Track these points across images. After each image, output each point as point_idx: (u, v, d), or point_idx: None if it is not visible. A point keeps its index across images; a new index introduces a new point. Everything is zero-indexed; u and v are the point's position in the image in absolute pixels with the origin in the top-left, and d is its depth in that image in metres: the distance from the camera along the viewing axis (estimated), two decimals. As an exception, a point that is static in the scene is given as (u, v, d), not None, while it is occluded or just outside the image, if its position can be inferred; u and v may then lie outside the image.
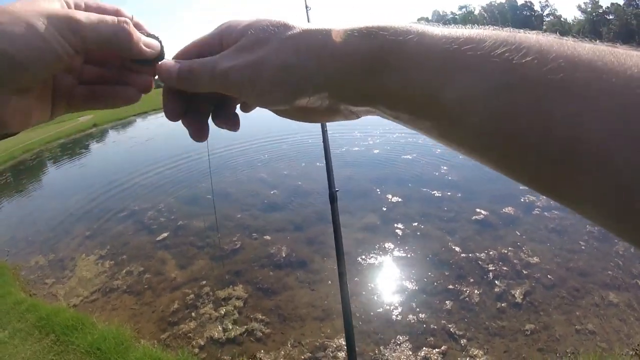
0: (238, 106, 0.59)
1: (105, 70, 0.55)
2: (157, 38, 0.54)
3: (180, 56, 0.53)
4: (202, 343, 4.27)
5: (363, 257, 5.56)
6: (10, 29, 0.40)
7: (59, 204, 10.02)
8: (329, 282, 5.11)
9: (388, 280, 5.11)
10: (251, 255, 5.88)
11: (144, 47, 0.51)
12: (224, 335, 4.36)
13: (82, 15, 0.45)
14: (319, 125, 2.06)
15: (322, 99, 0.47)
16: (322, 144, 1.95)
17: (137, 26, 0.52)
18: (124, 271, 5.66)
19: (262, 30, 0.47)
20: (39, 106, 0.49)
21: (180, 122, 0.55)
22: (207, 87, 0.50)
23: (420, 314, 4.53)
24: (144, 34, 0.52)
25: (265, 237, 6.33)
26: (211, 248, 6.11)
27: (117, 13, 0.53)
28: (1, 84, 0.41)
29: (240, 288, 5.10)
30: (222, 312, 4.69)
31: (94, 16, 0.46)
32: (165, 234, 6.64)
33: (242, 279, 5.31)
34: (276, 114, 0.56)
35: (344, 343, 4.21)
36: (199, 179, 9.73)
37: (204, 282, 5.28)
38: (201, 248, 6.14)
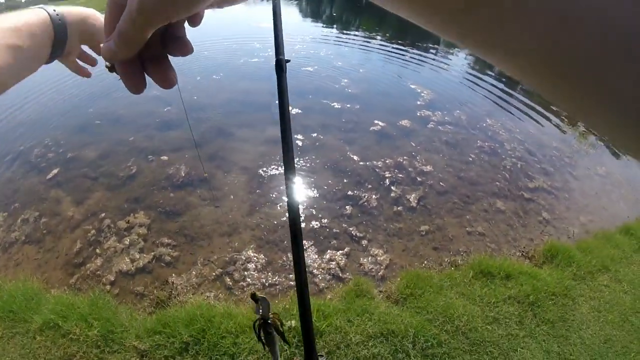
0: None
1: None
2: None
3: (107, 34, 0.51)
4: (112, 279, 4.29)
5: (264, 169, 5.63)
6: None
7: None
8: (232, 196, 5.18)
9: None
10: (149, 179, 5.77)
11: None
12: (133, 266, 4.40)
13: None
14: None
15: None
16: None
17: None
18: (19, 220, 5.29)
19: None
20: None
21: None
22: (140, 33, 0.45)
23: (322, 220, 4.75)
24: None
25: (162, 157, 6.19)
26: (105, 177, 5.91)
27: None
28: None
29: (141, 215, 5.08)
30: (127, 243, 4.69)
31: None
32: (55, 171, 6.24)
33: (142, 205, 5.26)
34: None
35: (252, 254, 4.37)
36: (85, 104, 9.12)
37: (103, 214, 5.16)
38: (95, 179, 5.89)
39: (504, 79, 10.36)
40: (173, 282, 4.14)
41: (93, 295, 3.92)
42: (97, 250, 4.64)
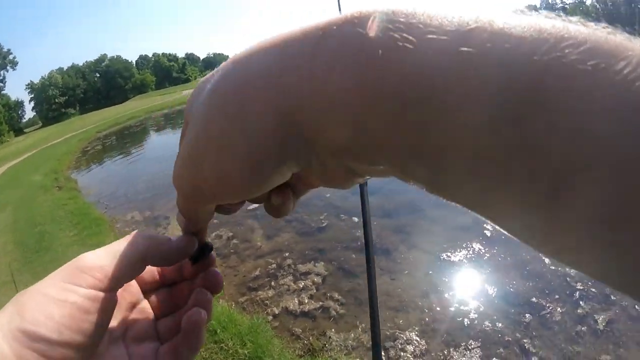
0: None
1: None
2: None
3: None
4: (277, 312, 4.40)
5: (448, 254, 5.46)
6: None
7: (158, 168, 10.62)
8: (406, 272, 5.08)
9: (469, 282, 4.99)
10: (336, 235, 5.95)
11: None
12: (299, 308, 4.46)
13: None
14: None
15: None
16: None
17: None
18: (214, 234, 5.92)
19: (189, 102, 0.37)
20: None
21: None
22: (189, 211, 0.46)
23: (496, 323, 4.40)
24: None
25: (353, 218, 6.34)
26: (298, 223, 6.22)
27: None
28: None
29: (321, 265, 5.18)
30: (301, 286, 4.79)
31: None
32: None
33: (324, 257, 5.38)
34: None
35: (414, 337, 4.19)
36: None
37: (287, 254, 5.42)
38: (289, 222, 6.26)
39: None
40: (330, 337, 4.10)
41: (255, 320, 4.07)
42: (272, 283, 4.84)
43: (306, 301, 4.54)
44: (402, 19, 0.25)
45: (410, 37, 0.24)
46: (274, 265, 5.17)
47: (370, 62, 0.25)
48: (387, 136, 0.26)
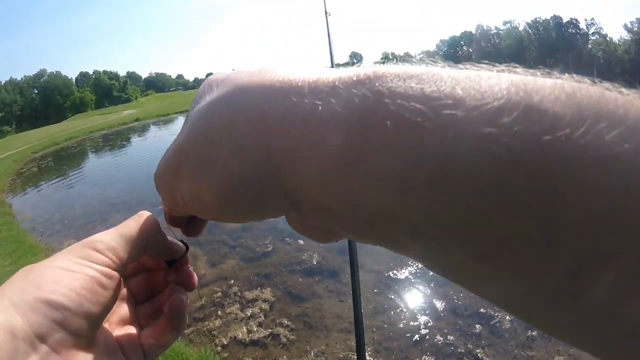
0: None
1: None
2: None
3: None
4: (226, 342, 4.26)
5: (394, 272, 5.49)
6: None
7: (97, 192, 10.30)
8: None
9: (418, 298, 5.02)
10: (282, 259, 5.87)
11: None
12: (248, 336, 4.34)
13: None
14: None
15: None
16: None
17: None
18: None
19: (194, 100, 0.36)
20: None
21: None
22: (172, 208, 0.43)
23: (447, 335, 4.43)
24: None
25: (298, 241, 6.30)
26: (242, 248, 6.12)
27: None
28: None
29: (268, 291, 5.08)
30: (248, 314, 4.67)
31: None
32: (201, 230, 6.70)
33: (270, 282, 5.29)
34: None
35: (368, 357, 4.15)
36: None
37: (233, 281, 5.30)
38: (233, 248, 6.16)
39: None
40: (282, 364, 4.05)
41: (203, 352, 3.95)
42: (219, 312, 4.70)
43: (255, 329, 4.44)
44: (417, 86, 0.22)
45: (428, 111, 0.21)
46: (219, 294, 5.02)
47: (374, 131, 0.23)
48: (380, 210, 0.24)
